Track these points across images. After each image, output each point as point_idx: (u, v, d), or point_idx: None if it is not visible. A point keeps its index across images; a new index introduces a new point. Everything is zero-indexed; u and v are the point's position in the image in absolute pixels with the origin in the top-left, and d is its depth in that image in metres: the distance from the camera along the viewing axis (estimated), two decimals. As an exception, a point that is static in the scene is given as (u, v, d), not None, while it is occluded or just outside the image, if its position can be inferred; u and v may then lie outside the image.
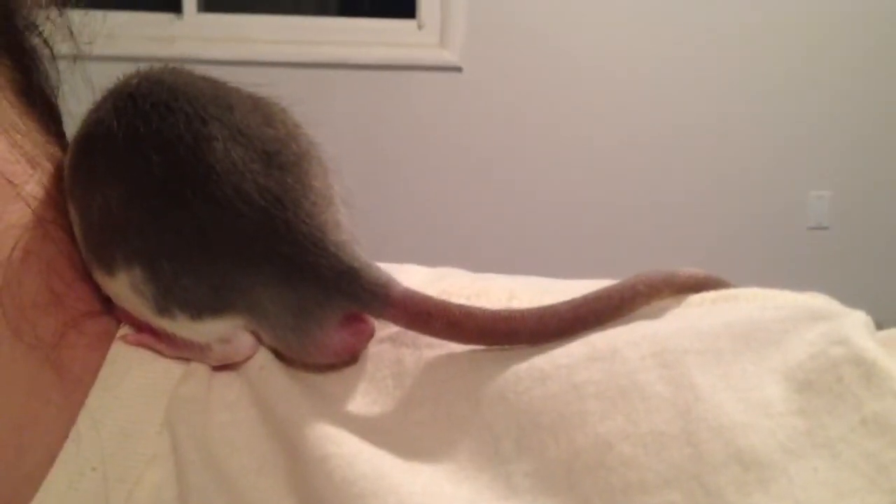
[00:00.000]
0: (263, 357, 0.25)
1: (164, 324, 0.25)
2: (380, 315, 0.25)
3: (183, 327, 0.25)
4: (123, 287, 0.24)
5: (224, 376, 0.25)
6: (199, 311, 0.24)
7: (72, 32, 0.28)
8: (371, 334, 0.26)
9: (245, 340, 0.25)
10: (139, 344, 0.26)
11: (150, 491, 0.24)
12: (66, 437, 0.24)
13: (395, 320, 0.25)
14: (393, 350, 0.26)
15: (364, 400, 0.25)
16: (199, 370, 0.26)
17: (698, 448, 0.22)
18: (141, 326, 0.26)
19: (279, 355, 0.26)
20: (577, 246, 2.26)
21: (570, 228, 2.27)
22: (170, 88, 0.25)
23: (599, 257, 2.22)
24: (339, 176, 0.27)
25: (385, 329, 0.27)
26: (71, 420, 0.24)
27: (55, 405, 0.24)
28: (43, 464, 0.24)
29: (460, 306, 0.25)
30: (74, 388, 0.25)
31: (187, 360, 0.26)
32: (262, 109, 0.26)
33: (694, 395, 0.23)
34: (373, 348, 0.26)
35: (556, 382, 0.23)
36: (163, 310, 0.24)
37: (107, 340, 0.26)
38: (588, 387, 0.23)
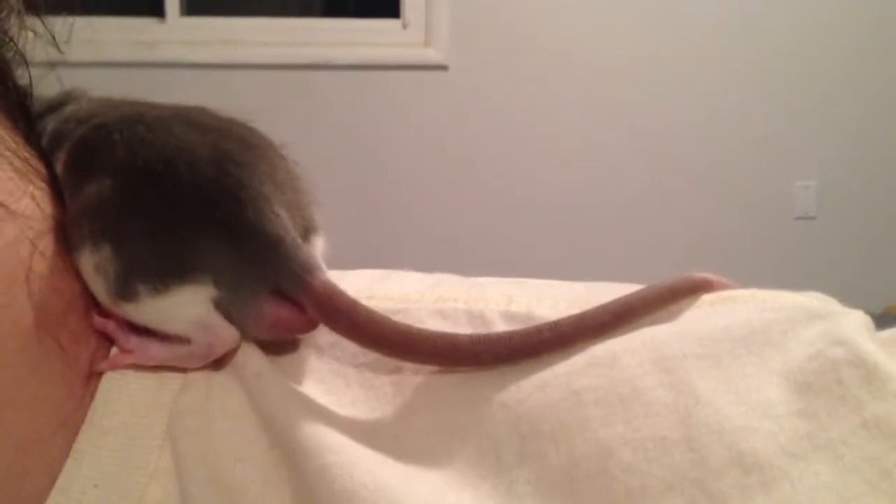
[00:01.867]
0: (259, 363, 0.25)
1: (129, 310, 0.25)
2: (297, 298, 0.25)
3: (150, 308, 0.25)
4: (88, 269, 0.25)
5: (223, 385, 0.25)
6: (161, 278, 0.25)
7: (54, 39, 0.28)
8: (308, 320, 0.26)
9: (222, 323, 0.25)
10: (115, 366, 0.26)
11: None
12: (67, 455, 0.24)
13: (309, 308, 0.25)
14: (392, 358, 0.26)
15: (364, 407, 0.25)
16: (198, 381, 0.25)
17: (700, 453, 0.22)
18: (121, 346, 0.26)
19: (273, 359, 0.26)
20: (564, 242, 2.26)
21: (558, 225, 2.27)
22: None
23: (587, 253, 2.23)
24: (299, 168, 0.28)
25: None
26: (72, 438, 0.24)
27: (57, 424, 0.24)
28: (45, 485, 0.24)
29: (368, 311, 0.25)
30: (76, 405, 0.25)
31: (181, 371, 0.26)
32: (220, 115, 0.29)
33: (694, 400, 0.23)
34: (372, 355, 0.26)
35: (555, 389, 0.23)
36: (125, 289, 0.25)
37: (105, 353, 0.26)
38: (588, 393, 0.23)
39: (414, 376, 0.25)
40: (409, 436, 0.24)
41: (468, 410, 0.24)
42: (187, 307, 0.25)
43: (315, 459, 0.23)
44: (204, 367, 0.26)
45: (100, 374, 0.25)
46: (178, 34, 2.16)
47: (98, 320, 0.26)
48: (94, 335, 0.26)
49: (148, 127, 0.26)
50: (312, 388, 0.25)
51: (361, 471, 0.22)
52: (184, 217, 0.25)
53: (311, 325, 0.26)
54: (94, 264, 0.25)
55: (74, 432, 0.24)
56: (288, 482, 0.23)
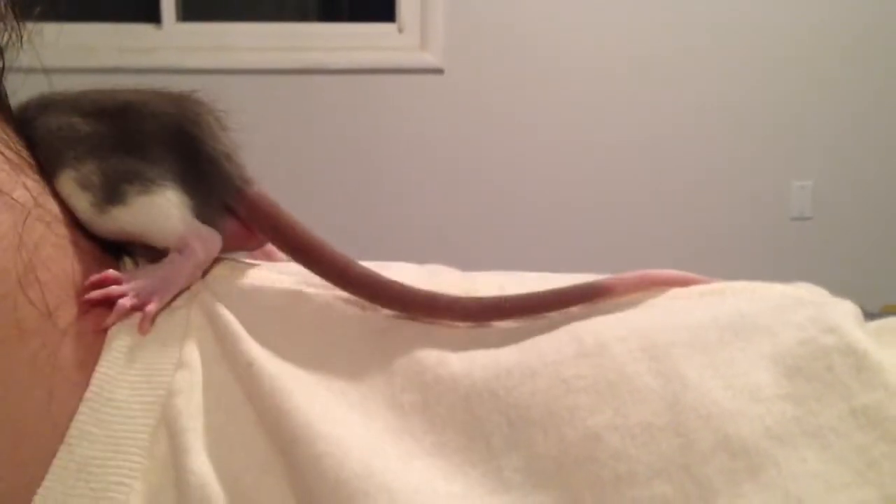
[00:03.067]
0: (250, 354, 0.25)
1: (120, 213, 0.27)
2: (236, 208, 0.29)
3: (139, 207, 0.27)
4: (69, 185, 0.27)
5: (216, 376, 0.25)
6: (145, 179, 0.28)
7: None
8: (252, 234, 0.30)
9: (205, 227, 0.29)
10: (120, 314, 0.26)
11: (148, 495, 0.24)
12: (60, 443, 0.24)
13: (242, 214, 0.29)
14: (383, 346, 0.26)
15: (354, 396, 0.25)
16: (191, 370, 0.25)
17: (687, 438, 0.22)
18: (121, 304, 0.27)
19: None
20: (561, 244, 2.26)
21: (554, 227, 2.27)
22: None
23: (583, 254, 2.23)
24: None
25: (375, 323, 0.27)
26: (65, 427, 0.24)
27: (53, 412, 0.24)
28: (39, 473, 0.24)
29: (290, 217, 0.29)
30: (71, 393, 0.25)
31: (174, 363, 0.26)
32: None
33: (682, 385, 0.23)
34: (363, 344, 0.26)
35: (544, 378, 0.24)
36: (113, 192, 0.27)
37: (98, 342, 0.26)
38: (577, 381, 0.23)
39: (404, 367, 0.25)
40: (399, 424, 0.24)
41: (458, 399, 0.24)
42: (173, 206, 0.28)
43: (307, 449, 0.23)
44: (197, 359, 0.26)
45: (95, 359, 0.25)
46: (175, 40, 2.17)
47: (96, 282, 0.26)
48: (91, 318, 0.26)
49: (99, 91, 0.30)
50: (304, 378, 0.25)
51: (353, 460, 0.23)
52: (153, 141, 0.28)
53: (256, 238, 0.30)
54: (77, 180, 0.27)
55: (68, 421, 0.24)
56: (283, 470, 0.23)
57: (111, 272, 0.26)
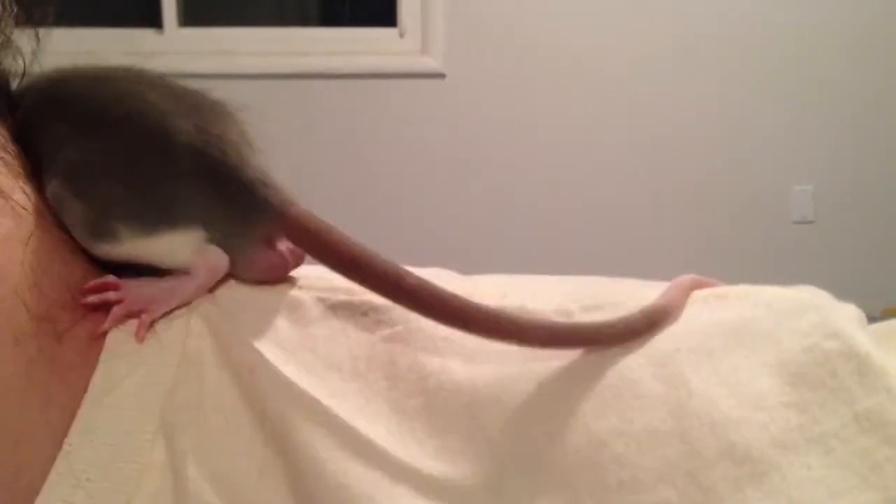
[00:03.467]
0: (252, 359, 0.25)
1: (109, 249, 0.26)
2: (278, 233, 0.27)
3: (134, 245, 0.26)
4: (72, 217, 0.26)
5: (216, 381, 0.25)
6: (152, 224, 0.26)
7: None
8: (300, 256, 0.27)
9: (216, 250, 0.27)
10: (116, 319, 0.26)
11: (148, 500, 0.23)
12: (59, 449, 0.24)
13: (286, 236, 0.27)
14: (387, 351, 0.26)
15: (357, 401, 0.25)
16: (191, 375, 0.25)
17: (691, 445, 0.22)
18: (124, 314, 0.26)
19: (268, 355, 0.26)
20: (562, 248, 2.26)
21: (556, 231, 2.27)
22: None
23: (584, 258, 2.23)
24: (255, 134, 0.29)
25: (381, 330, 0.27)
26: (64, 432, 0.24)
27: (50, 418, 0.24)
28: (38, 479, 0.23)
29: (340, 233, 0.26)
30: (69, 398, 0.25)
31: (172, 365, 0.26)
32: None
33: (686, 392, 0.23)
34: (366, 349, 0.26)
35: (549, 384, 0.24)
36: (104, 231, 0.26)
37: (96, 347, 0.26)
38: (581, 386, 0.23)
39: (407, 371, 0.25)
40: (402, 428, 0.24)
41: (462, 405, 0.24)
42: (179, 245, 0.26)
43: (308, 453, 0.23)
44: (197, 362, 0.26)
45: (93, 365, 0.25)
46: (176, 45, 2.17)
47: (94, 287, 0.26)
48: (88, 323, 0.26)
49: (99, 80, 0.27)
50: (306, 382, 0.25)
51: (355, 464, 0.23)
52: (164, 167, 0.26)
53: (297, 260, 0.28)
54: (76, 210, 0.26)
55: (67, 426, 0.24)
56: (283, 475, 0.23)
57: (110, 278, 0.26)
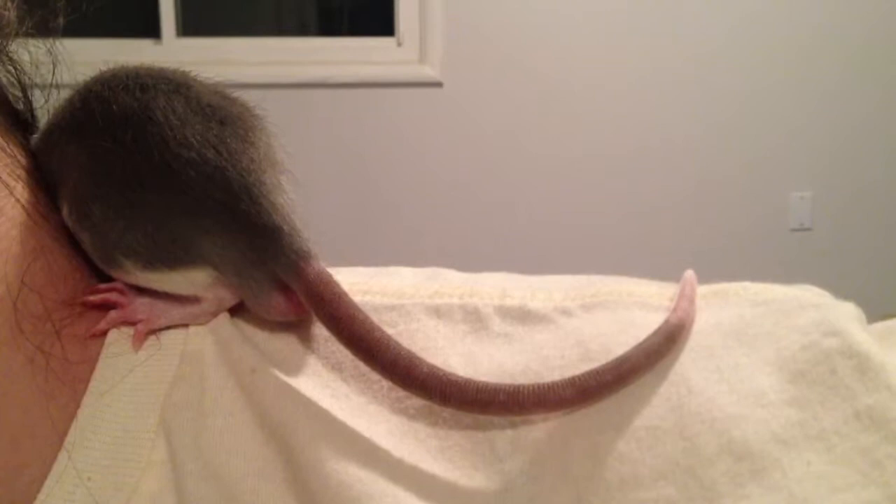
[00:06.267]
0: (254, 360, 0.25)
1: (116, 274, 0.26)
2: (293, 285, 0.25)
3: (141, 277, 0.25)
4: (81, 238, 0.25)
5: (217, 380, 0.25)
6: (153, 263, 0.25)
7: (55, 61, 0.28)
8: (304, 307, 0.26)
9: (226, 285, 0.26)
10: (112, 323, 0.26)
11: (148, 499, 0.23)
12: (60, 448, 0.24)
13: (300, 294, 0.25)
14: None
15: (359, 401, 0.25)
16: (191, 375, 0.25)
17: (692, 441, 0.22)
18: (125, 316, 0.26)
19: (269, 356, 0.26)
20: (560, 255, 2.26)
21: (553, 239, 2.27)
22: (122, 72, 0.26)
23: (582, 266, 2.22)
24: (284, 153, 0.28)
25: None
26: (65, 430, 0.24)
27: (51, 416, 0.24)
28: (38, 477, 0.23)
29: (351, 307, 0.24)
30: (69, 397, 0.25)
31: (173, 364, 0.26)
32: (217, 87, 0.27)
33: (686, 390, 0.23)
34: None
35: (548, 382, 0.23)
36: (107, 259, 0.25)
37: (96, 345, 0.26)
38: None
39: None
40: (403, 428, 0.24)
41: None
42: (192, 280, 0.25)
43: (310, 453, 0.23)
44: (197, 362, 0.26)
45: (93, 364, 0.25)
46: (175, 55, 2.17)
47: (101, 288, 0.26)
48: (86, 322, 0.26)
49: (130, 93, 0.25)
50: (308, 382, 0.25)
51: (356, 464, 0.23)
52: (172, 203, 0.24)
53: (303, 312, 0.26)
54: (81, 236, 0.25)
55: (67, 424, 0.24)
56: (283, 475, 0.23)
57: (118, 285, 0.26)
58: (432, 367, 0.23)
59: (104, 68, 0.27)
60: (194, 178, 0.24)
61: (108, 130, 0.24)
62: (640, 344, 0.24)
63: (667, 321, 0.24)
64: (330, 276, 0.25)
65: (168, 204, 0.24)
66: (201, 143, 0.24)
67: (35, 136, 0.27)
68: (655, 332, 0.24)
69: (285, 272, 0.25)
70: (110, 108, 0.25)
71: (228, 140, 0.25)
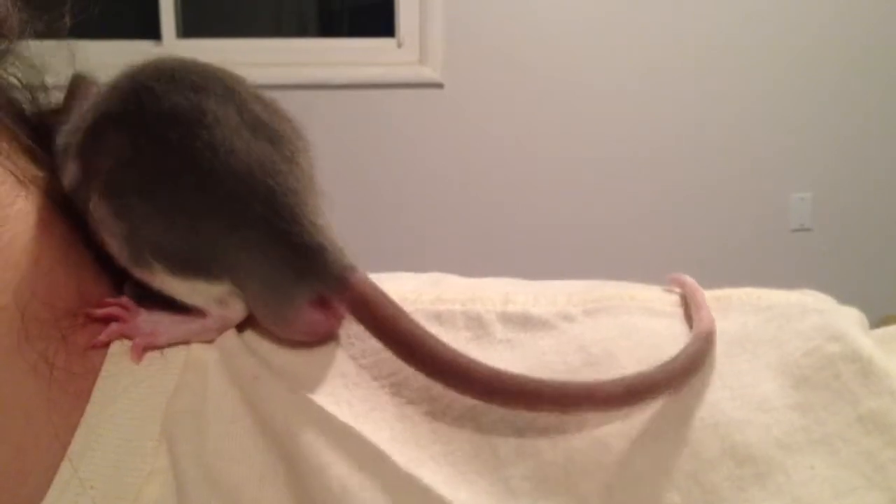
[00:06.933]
0: (257, 367, 0.25)
1: (142, 275, 0.25)
2: (338, 297, 0.25)
3: (168, 284, 0.25)
4: (111, 229, 0.25)
5: (219, 387, 0.25)
6: (181, 268, 0.25)
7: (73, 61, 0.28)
8: (342, 317, 0.26)
9: (240, 304, 0.26)
10: (111, 336, 0.26)
11: None
12: (63, 457, 0.24)
13: (349, 310, 0.25)
14: (392, 358, 0.26)
15: (362, 407, 0.25)
16: (193, 383, 0.25)
17: (693, 446, 0.22)
18: (133, 331, 0.26)
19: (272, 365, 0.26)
20: (561, 256, 2.26)
21: (554, 240, 2.27)
22: (178, 67, 0.26)
23: (583, 267, 2.23)
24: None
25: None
26: (68, 439, 0.24)
27: (54, 425, 0.24)
28: (42, 486, 0.23)
29: (396, 309, 0.24)
30: (72, 406, 0.25)
31: (183, 357, 0.26)
32: (262, 99, 0.27)
33: (689, 394, 0.23)
34: (371, 356, 0.26)
35: None
36: (139, 259, 0.25)
37: (99, 354, 0.26)
38: None
39: (413, 378, 0.25)
40: (406, 434, 0.24)
41: (465, 410, 0.24)
42: (210, 293, 0.25)
43: (313, 459, 0.23)
44: (200, 370, 0.26)
45: (96, 373, 0.25)
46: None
47: (107, 302, 0.26)
48: (88, 332, 0.26)
49: (181, 92, 0.25)
50: (311, 389, 0.25)
51: (358, 470, 0.23)
52: (215, 212, 0.24)
53: (339, 323, 0.26)
54: (114, 230, 0.25)
55: (70, 433, 0.24)
56: (285, 482, 0.23)
57: (125, 300, 0.26)
58: (474, 362, 0.23)
59: (148, 59, 0.27)
60: (239, 190, 0.24)
61: (157, 126, 0.24)
62: (685, 349, 0.23)
63: (698, 328, 0.24)
64: (369, 281, 0.25)
65: (209, 211, 0.24)
66: (250, 156, 0.24)
67: (66, 125, 0.27)
68: (696, 338, 0.24)
69: (330, 287, 0.25)
70: (160, 104, 0.24)
71: (276, 158, 0.25)
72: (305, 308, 0.25)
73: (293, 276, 0.25)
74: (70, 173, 0.26)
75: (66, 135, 0.27)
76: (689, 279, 0.27)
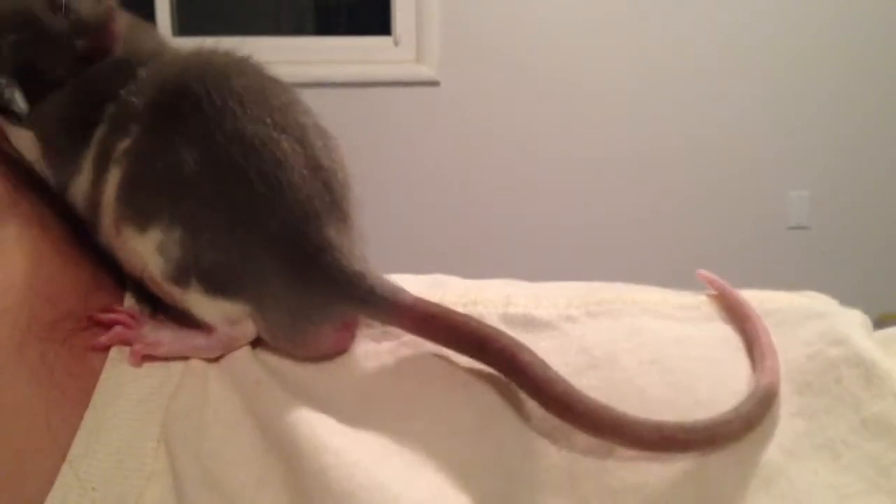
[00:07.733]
0: (260, 371, 0.25)
1: (174, 292, 0.25)
2: (388, 321, 0.26)
3: (193, 300, 0.25)
4: (149, 245, 0.25)
5: (219, 391, 0.25)
6: (214, 287, 0.25)
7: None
8: (353, 337, 0.27)
9: (250, 326, 0.26)
10: (112, 341, 0.26)
11: None
12: (63, 459, 0.24)
13: (403, 326, 0.26)
14: (393, 361, 0.26)
15: (363, 409, 0.25)
16: (193, 385, 0.25)
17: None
18: (132, 337, 0.26)
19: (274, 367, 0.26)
20: (559, 254, 2.26)
21: (551, 238, 2.27)
22: (256, 74, 0.28)
23: (581, 266, 2.23)
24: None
25: (385, 341, 0.27)
26: (68, 442, 0.24)
27: (53, 427, 0.24)
28: (42, 489, 0.23)
29: (462, 315, 0.25)
30: (72, 409, 0.25)
31: (184, 360, 0.26)
32: (324, 134, 0.29)
33: (693, 400, 0.23)
34: (374, 359, 0.26)
35: None
36: (180, 276, 0.25)
37: (99, 357, 0.26)
38: (588, 392, 0.23)
39: (413, 380, 0.25)
40: (408, 437, 0.24)
41: (470, 413, 0.24)
42: (227, 312, 0.25)
43: (313, 462, 0.23)
44: (200, 373, 0.26)
45: (96, 376, 0.25)
46: (171, 54, 2.17)
47: (115, 310, 0.26)
48: (89, 335, 0.26)
49: (243, 105, 0.25)
50: (311, 394, 0.25)
51: (360, 471, 0.22)
52: (268, 249, 0.24)
53: (352, 342, 0.26)
54: (158, 242, 0.25)
55: (70, 435, 0.24)
56: (284, 484, 0.23)
57: (133, 311, 0.27)
58: (552, 373, 0.23)
59: (227, 56, 0.27)
60: (293, 225, 0.25)
61: (227, 145, 0.25)
62: (737, 408, 0.22)
63: (758, 384, 0.23)
64: (423, 300, 0.25)
65: (262, 241, 0.25)
66: (310, 189, 0.25)
67: (112, 108, 0.27)
68: (750, 397, 0.23)
69: (376, 311, 0.25)
70: (239, 130, 0.25)
71: (327, 199, 0.26)
72: (328, 331, 0.25)
73: (324, 303, 0.25)
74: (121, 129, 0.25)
75: (113, 82, 0.27)
76: (763, 326, 0.25)
